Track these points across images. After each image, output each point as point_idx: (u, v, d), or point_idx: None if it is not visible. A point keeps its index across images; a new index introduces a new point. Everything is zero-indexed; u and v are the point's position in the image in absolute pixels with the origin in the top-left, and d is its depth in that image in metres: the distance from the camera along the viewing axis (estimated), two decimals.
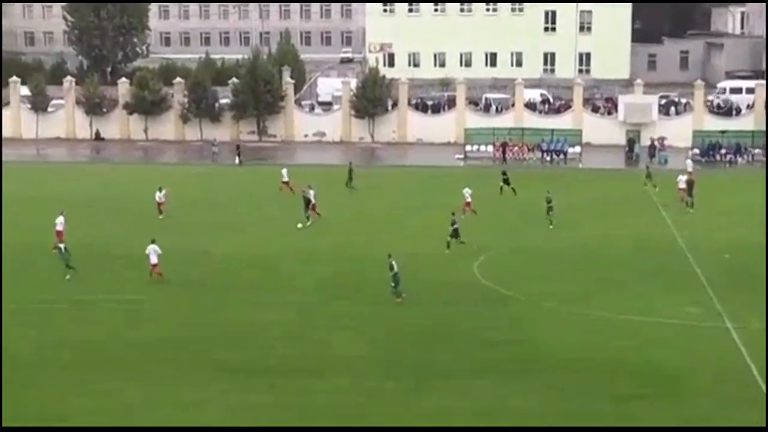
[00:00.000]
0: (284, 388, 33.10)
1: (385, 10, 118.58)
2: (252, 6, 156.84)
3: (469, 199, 58.22)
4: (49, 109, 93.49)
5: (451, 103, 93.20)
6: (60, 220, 51.45)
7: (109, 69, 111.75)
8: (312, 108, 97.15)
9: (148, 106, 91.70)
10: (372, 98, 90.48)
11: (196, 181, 72.63)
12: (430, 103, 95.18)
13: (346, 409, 31.42)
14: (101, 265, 47.65)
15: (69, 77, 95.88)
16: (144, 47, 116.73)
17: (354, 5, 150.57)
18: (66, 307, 41.70)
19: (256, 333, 38.42)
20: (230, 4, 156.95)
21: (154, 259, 44.85)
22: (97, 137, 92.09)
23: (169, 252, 46.05)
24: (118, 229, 55.32)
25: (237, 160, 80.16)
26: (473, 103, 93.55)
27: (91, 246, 50.41)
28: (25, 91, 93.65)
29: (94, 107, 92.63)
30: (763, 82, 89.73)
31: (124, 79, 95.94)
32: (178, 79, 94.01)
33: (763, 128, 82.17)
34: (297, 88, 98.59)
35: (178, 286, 44.33)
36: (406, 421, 30.50)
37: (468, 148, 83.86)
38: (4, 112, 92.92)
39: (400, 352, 36.44)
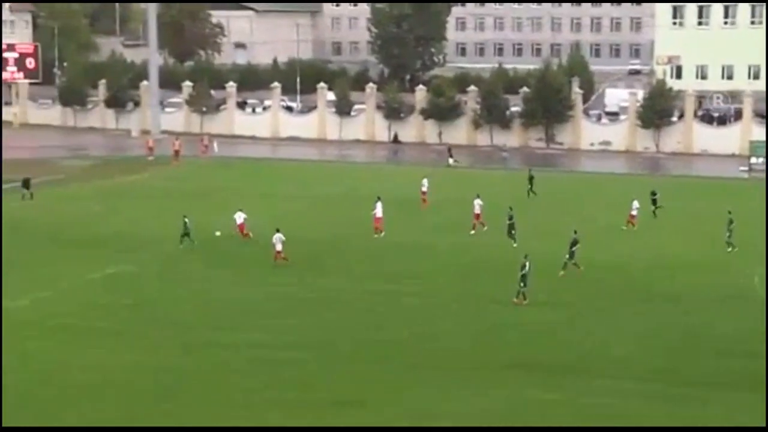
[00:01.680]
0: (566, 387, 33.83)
1: (674, 23, 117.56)
2: (545, 19, 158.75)
3: None
4: (352, 113, 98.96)
5: (738, 115, 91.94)
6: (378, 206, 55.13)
7: (407, 77, 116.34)
8: (599, 118, 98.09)
9: (443, 111, 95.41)
10: (658, 109, 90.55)
11: (502, 186, 71.95)
12: (715, 114, 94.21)
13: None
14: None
15: (371, 84, 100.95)
16: (441, 57, 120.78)
17: (644, 18, 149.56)
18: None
19: (542, 331, 39.60)
20: (524, 17, 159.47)
21: (278, 247, 47.85)
22: (395, 140, 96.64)
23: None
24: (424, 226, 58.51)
25: (451, 161, 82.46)
26: (759, 115, 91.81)
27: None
28: (331, 96, 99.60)
29: (393, 112, 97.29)
30: None
31: (421, 86, 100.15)
32: (472, 87, 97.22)
33: None
34: (585, 98, 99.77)
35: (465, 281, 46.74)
36: None
37: (753, 160, 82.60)
38: (311, 115, 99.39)
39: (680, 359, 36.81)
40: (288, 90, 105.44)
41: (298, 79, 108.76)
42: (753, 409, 31.20)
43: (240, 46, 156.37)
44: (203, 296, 43.79)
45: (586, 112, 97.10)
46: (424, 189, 63.82)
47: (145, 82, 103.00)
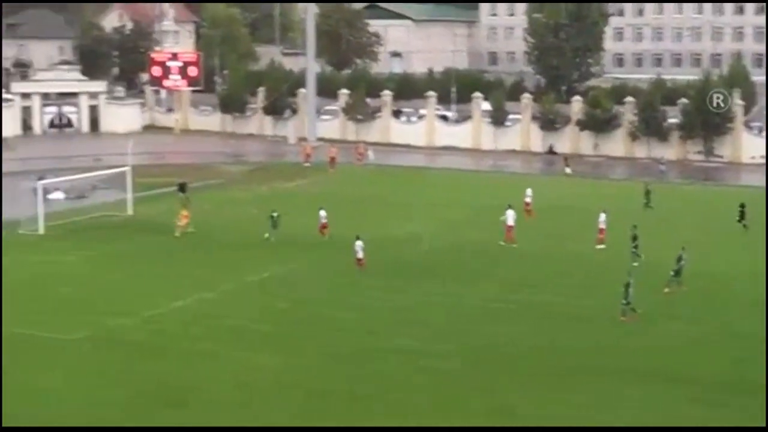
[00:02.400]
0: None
1: None
2: (705, 28, 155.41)
3: None
4: (507, 124, 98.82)
5: None
6: (510, 214, 55.84)
7: (564, 88, 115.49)
8: (760, 130, 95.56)
9: (599, 123, 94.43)
10: None
11: (619, 196, 71.71)
12: None
13: None
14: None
15: (526, 94, 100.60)
16: (598, 67, 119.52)
17: None
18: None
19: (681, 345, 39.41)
20: (683, 27, 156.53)
21: (360, 254, 49.09)
22: (550, 151, 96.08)
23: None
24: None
25: (568, 170, 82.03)
26: None
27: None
28: (486, 106, 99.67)
29: (549, 123, 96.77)
30: None
31: (577, 97, 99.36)
32: (629, 98, 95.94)
33: None
34: (746, 110, 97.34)
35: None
36: None
37: None
38: (466, 125, 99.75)
39: None
40: (443, 99, 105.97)
41: (453, 89, 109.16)
42: None
43: (396, 55, 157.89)
44: (354, 300, 44.59)
45: (747, 125, 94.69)
46: (528, 199, 63.68)
47: (302, 90, 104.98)
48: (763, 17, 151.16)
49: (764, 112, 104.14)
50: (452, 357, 36.99)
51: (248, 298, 44.79)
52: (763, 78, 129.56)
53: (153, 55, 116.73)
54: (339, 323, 41.16)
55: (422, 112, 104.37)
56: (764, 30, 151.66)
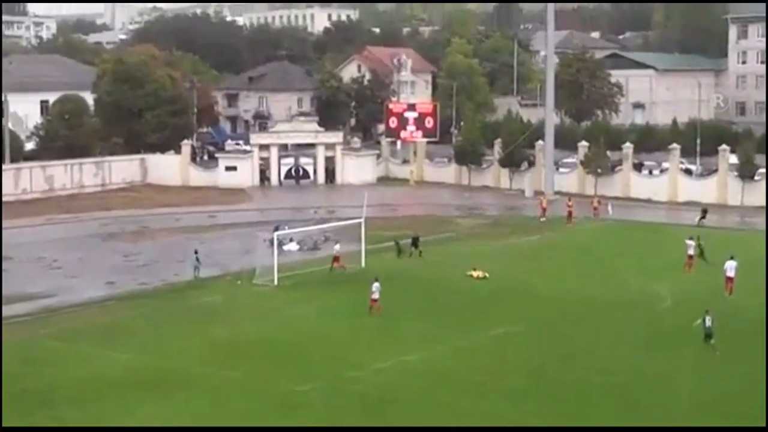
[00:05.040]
0: None
1: None
2: None
3: None
4: (756, 178, 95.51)
5: None
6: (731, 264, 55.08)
7: None
8: None
9: None
10: None
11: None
12: None
13: None
14: None
15: None
16: None
17: None
18: None
19: None
20: None
21: (375, 295, 51.32)
22: None
23: None
24: None
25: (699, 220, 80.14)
26: None
27: None
28: (733, 159, 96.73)
29: None
30: None
31: None
32: None
33: None
34: None
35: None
36: None
37: None
38: (711, 178, 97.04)
39: None
40: (687, 152, 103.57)
41: (698, 141, 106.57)
42: None
43: (638, 106, 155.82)
44: (578, 361, 44.10)
45: None
46: (690, 252, 62.73)
47: (540, 142, 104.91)
48: None
49: None
50: None
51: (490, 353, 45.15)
52: None
53: (390, 105, 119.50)
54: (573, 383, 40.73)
55: (665, 165, 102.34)
56: None
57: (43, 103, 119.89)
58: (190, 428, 35.42)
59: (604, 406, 38.17)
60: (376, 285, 52.54)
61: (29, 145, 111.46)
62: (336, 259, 63.22)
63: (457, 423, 35.93)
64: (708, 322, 45.65)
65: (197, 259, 62.65)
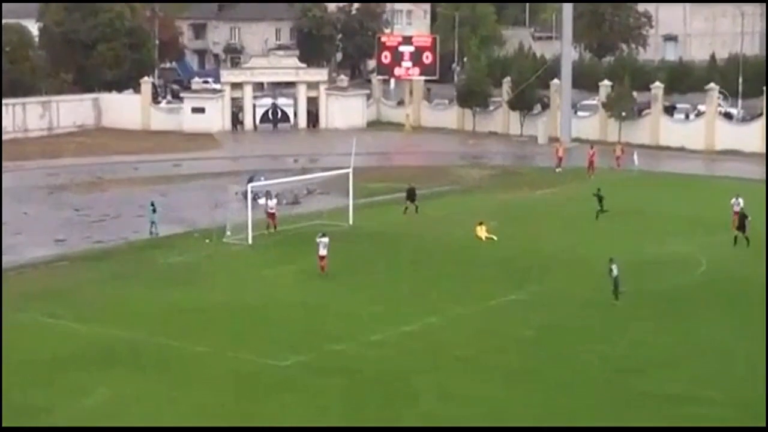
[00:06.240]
0: None
1: None
2: None
3: None
4: None
5: None
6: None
7: None
8: None
9: None
10: None
11: None
12: None
13: None
14: None
15: None
16: None
17: None
18: None
19: None
20: None
21: (323, 251, 52.70)
22: None
23: None
24: None
25: None
26: None
27: None
28: None
29: None
30: None
31: None
32: None
33: None
34: None
35: None
36: None
37: None
38: (754, 124, 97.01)
39: None
40: (727, 92, 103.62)
41: (740, 80, 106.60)
42: None
43: (670, 38, 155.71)
44: (603, 331, 44.58)
45: None
46: (737, 209, 62.15)
47: (555, 81, 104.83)
48: None
49: None
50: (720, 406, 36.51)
51: (482, 325, 45.32)
52: None
53: (382, 38, 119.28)
54: (582, 355, 41.09)
55: (701, 108, 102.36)
56: None
57: None
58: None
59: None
60: (324, 240, 53.03)
61: None
62: (271, 215, 63.24)
63: (450, 408, 36.09)
64: (615, 272, 47.57)
65: (153, 211, 62.84)
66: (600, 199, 66.43)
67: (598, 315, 46.89)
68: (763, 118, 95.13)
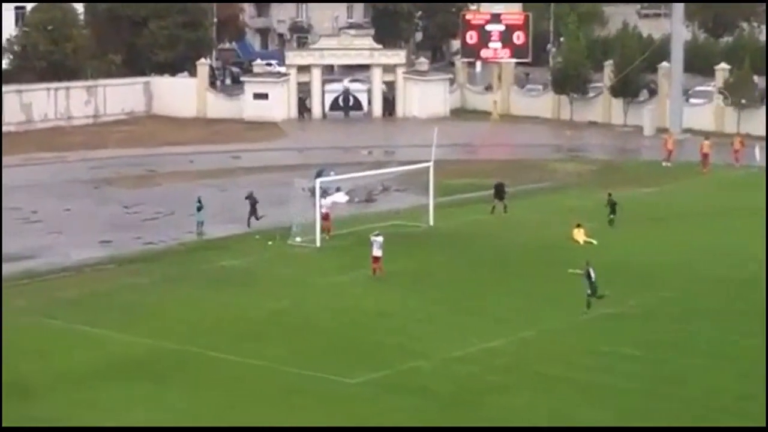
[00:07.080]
0: None
1: None
2: None
3: None
4: None
5: None
6: None
7: None
8: None
9: None
10: None
11: None
12: None
13: None
14: None
15: None
16: None
17: None
18: None
19: None
20: None
21: (376, 252, 53.41)
22: None
23: None
24: None
25: None
26: None
27: None
28: None
29: None
30: None
31: None
32: None
33: None
34: None
35: None
36: None
37: None
38: None
39: None
40: None
41: None
42: None
43: None
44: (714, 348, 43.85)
45: None
46: None
47: (664, 64, 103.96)
48: None
49: None
50: None
51: (579, 341, 44.91)
52: None
53: (467, 16, 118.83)
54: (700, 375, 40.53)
55: None
56: None
57: (18, 11, 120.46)
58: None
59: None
60: (378, 240, 53.24)
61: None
62: (324, 216, 62.32)
63: None
64: (593, 275, 48.21)
65: (199, 209, 63.08)
66: (612, 205, 65.36)
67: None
68: None
